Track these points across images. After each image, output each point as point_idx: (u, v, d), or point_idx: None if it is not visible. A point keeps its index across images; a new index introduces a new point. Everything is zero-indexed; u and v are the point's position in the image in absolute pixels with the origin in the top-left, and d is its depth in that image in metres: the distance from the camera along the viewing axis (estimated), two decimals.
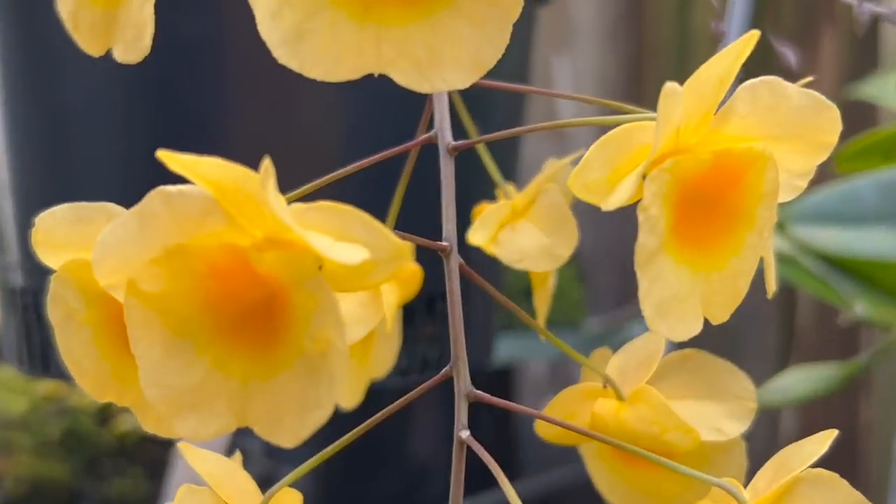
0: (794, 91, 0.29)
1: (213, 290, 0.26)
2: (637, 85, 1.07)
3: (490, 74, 0.61)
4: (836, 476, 0.29)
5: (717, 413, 0.37)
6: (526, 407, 0.33)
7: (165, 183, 0.26)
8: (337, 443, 0.31)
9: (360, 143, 0.51)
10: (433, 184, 0.34)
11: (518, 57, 0.60)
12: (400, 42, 0.28)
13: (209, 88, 0.53)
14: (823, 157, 0.30)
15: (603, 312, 1.07)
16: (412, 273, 0.42)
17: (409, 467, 0.85)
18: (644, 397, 0.37)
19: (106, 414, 0.79)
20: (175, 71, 0.53)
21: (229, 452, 0.72)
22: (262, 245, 0.26)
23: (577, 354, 0.37)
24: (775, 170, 0.29)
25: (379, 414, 0.33)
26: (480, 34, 0.28)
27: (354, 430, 0.32)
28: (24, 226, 0.55)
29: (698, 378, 0.37)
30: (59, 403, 0.78)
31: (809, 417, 1.03)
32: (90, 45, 0.34)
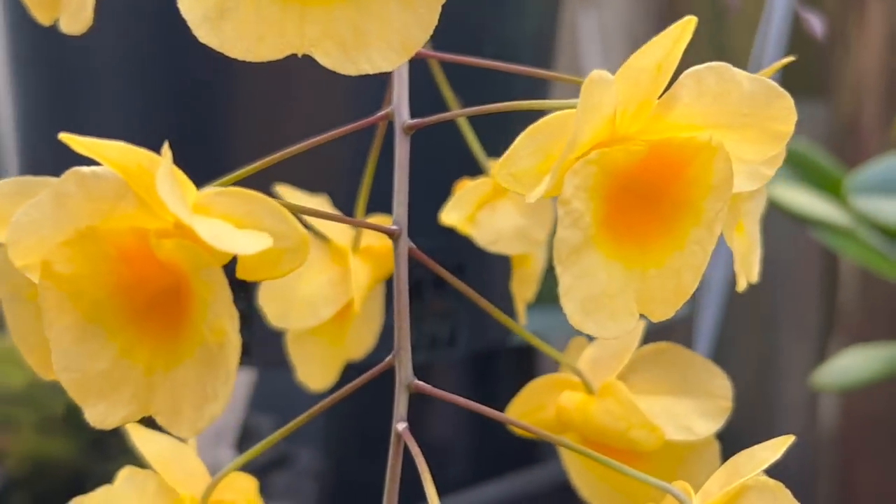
0: (745, 77, 0.28)
1: (123, 275, 0.26)
2: None
3: (514, 34, 0.60)
4: (780, 485, 0.28)
5: (689, 410, 0.36)
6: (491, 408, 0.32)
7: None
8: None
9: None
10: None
11: (545, 16, 0.59)
12: (324, 21, 0.27)
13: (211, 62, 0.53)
14: (778, 148, 0.28)
15: None
16: (385, 252, 0.41)
17: (427, 449, 0.85)
18: (612, 391, 0.36)
19: None
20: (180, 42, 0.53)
21: (239, 432, 0.73)
22: (169, 231, 0.26)
23: (541, 343, 0.36)
24: (726, 160, 0.28)
25: (329, 398, 0.33)
26: (409, 13, 0.27)
27: (320, 404, 0.31)
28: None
29: (672, 373, 0.36)
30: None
31: (850, 404, 1.01)
32: (39, 13, 0.34)
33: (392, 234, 0.32)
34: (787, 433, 0.30)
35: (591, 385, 0.37)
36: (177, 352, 0.25)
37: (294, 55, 0.28)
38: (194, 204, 0.26)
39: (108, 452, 0.76)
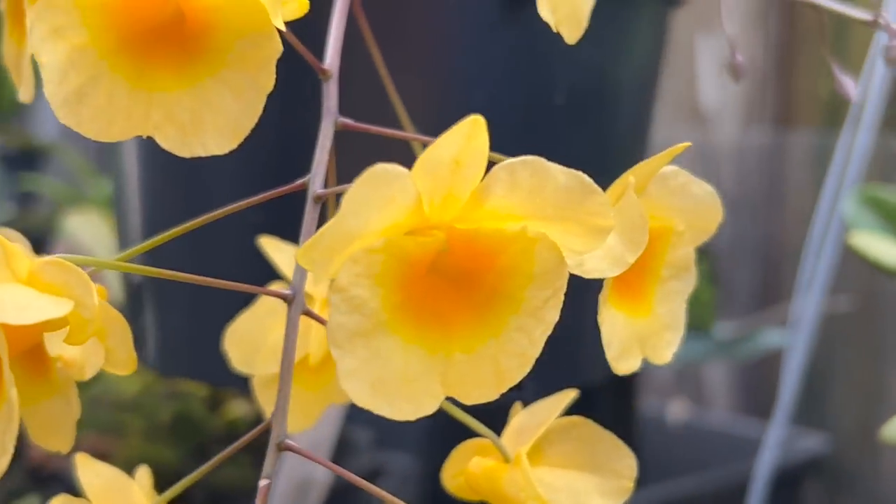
0: (560, 172, 0.29)
1: None
2: (785, 70, 1.01)
3: (616, 75, 0.60)
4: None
5: (591, 488, 0.37)
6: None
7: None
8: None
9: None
10: None
11: (649, 60, 0.60)
12: (167, 107, 0.30)
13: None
14: (601, 242, 0.29)
15: (737, 317, 1.02)
16: None
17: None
18: (518, 462, 0.37)
19: (217, 399, 0.85)
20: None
21: (336, 443, 0.76)
22: None
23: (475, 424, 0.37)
24: (549, 250, 0.29)
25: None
26: (240, 103, 0.30)
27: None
28: (149, 220, 0.60)
29: (582, 448, 0.37)
30: (170, 386, 0.84)
31: None
32: (13, 77, 0.39)
33: (285, 299, 0.35)
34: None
35: (506, 453, 0.38)
36: None
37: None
38: (29, 271, 0.29)
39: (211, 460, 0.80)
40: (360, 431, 0.80)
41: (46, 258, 0.29)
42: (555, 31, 0.38)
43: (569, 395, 0.39)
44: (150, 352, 0.61)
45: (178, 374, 0.65)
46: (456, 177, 0.29)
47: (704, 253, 1.00)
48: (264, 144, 0.48)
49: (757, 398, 1.12)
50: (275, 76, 0.30)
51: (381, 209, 0.28)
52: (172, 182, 0.55)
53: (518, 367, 0.30)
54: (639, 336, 0.35)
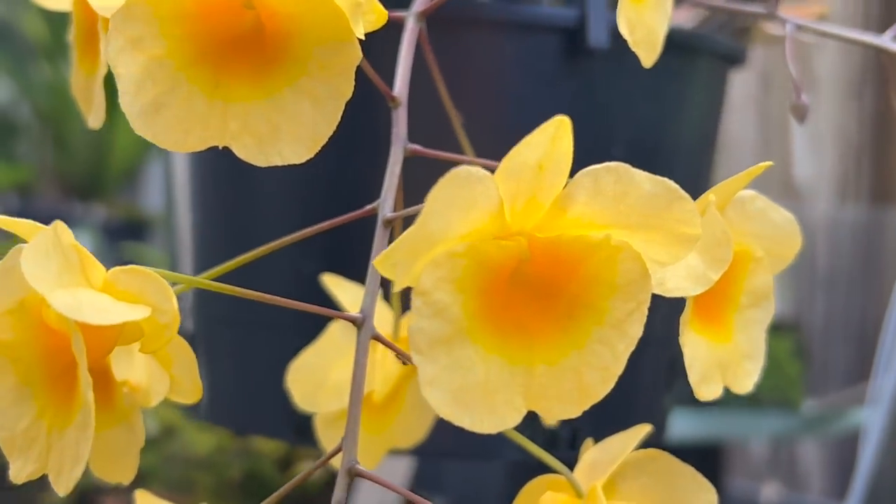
0: (645, 179, 0.28)
1: (46, 343, 0.30)
2: (881, 144, 1.01)
3: (673, 130, 0.60)
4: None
5: None
6: None
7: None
8: None
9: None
10: None
11: (707, 117, 0.60)
12: (245, 117, 0.30)
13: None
14: (688, 251, 0.29)
15: (826, 393, 1.00)
16: None
17: None
18: (593, 497, 0.36)
19: (288, 459, 0.84)
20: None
21: None
22: None
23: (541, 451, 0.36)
24: (633, 260, 0.29)
25: None
26: (319, 111, 0.30)
27: None
28: (199, 272, 0.60)
29: (659, 483, 0.36)
30: (243, 446, 0.84)
31: None
32: (81, 105, 0.39)
33: (356, 322, 0.34)
34: None
35: (579, 488, 0.37)
36: (69, 415, 0.28)
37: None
38: (105, 280, 0.29)
39: None
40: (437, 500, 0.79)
41: (123, 267, 0.29)
42: (632, 49, 0.38)
43: (643, 430, 0.38)
44: (202, 403, 0.61)
45: (228, 426, 0.64)
46: (539, 181, 0.28)
47: (794, 328, 0.99)
48: (328, 171, 0.49)
49: (853, 480, 1.10)
50: (353, 84, 0.30)
51: (464, 212, 0.27)
52: (232, 210, 0.55)
53: (601, 382, 0.30)
54: (720, 362, 0.35)
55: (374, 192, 0.38)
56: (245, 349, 0.57)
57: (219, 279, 0.39)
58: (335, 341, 0.44)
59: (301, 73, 0.30)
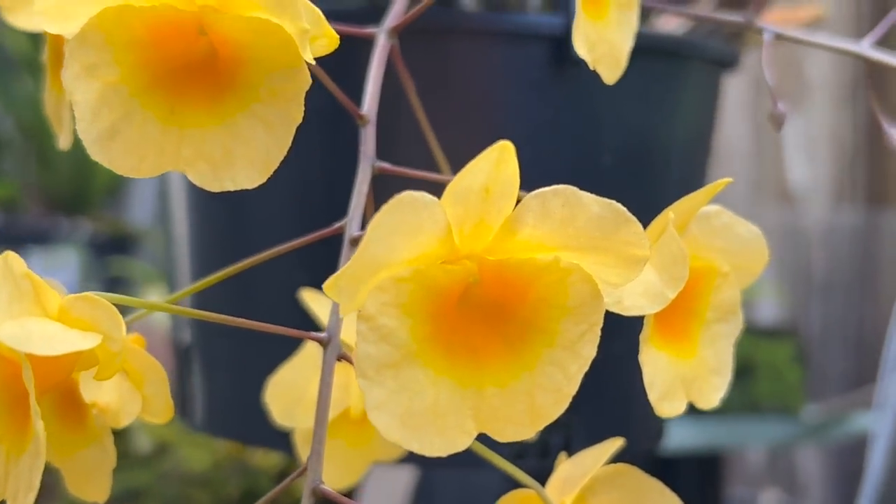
0: (593, 201, 0.29)
1: (4, 372, 0.30)
2: (875, 148, 1.00)
3: (666, 136, 0.60)
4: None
5: None
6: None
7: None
8: None
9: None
10: None
11: (700, 123, 0.59)
12: (199, 143, 0.31)
13: None
14: (636, 272, 0.29)
15: (827, 399, 0.99)
16: None
17: None
18: None
19: (286, 474, 0.84)
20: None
21: None
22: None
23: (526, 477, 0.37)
24: (583, 282, 0.29)
25: None
26: (271, 136, 0.30)
27: None
28: (196, 267, 0.60)
29: (628, 497, 0.36)
30: (240, 462, 0.84)
31: None
32: (53, 125, 0.40)
33: (321, 342, 0.34)
34: None
35: (550, 503, 0.37)
36: (23, 443, 0.29)
37: None
38: (60, 307, 0.30)
39: None
40: None
41: (76, 294, 0.30)
42: (591, 69, 0.38)
43: (614, 444, 0.38)
44: (200, 414, 0.61)
45: (227, 436, 0.64)
46: (486, 205, 0.29)
47: (792, 334, 0.99)
48: (304, 190, 0.49)
49: (853, 488, 1.09)
50: (303, 110, 0.30)
51: (409, 237, 0.28)
52: (217, 230, 0.56)
53: (554, 404, 0.30)
54: (683, 378, 0.35)
55: (339, 210, 0.39)
56: (243, 359, 0.57)
57: (214, 290, 0.39)
58: (312, 356, 0.44)
59: (253, 100, 0.31)
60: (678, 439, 0.83)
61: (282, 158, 0.30)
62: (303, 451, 0.45)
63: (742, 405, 0.90)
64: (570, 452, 0.62)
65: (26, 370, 0.27)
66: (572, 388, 0.30)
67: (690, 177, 0.61)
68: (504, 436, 0.30)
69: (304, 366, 0.44)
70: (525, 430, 0.30)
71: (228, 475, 0.83)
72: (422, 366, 0.28)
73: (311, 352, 0.44)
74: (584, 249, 0.29)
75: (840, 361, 1.09)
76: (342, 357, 0.35)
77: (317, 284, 0.49)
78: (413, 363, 0.28)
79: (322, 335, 0.35)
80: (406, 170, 0.39)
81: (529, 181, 0.31)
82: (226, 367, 0.59)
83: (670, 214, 0.33)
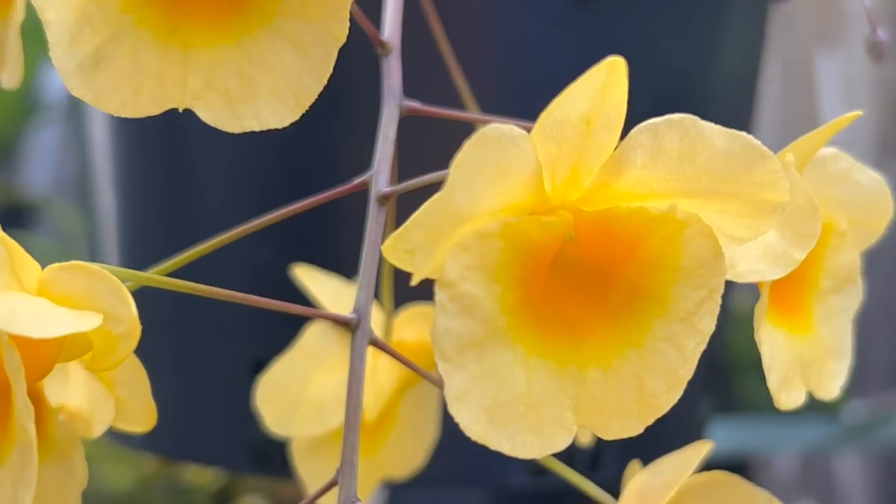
0: (717, 133, 0.27)
1: None
2: None
3: (706, 77, 0.60)
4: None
5: None
6: None
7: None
8: None
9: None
10: None
11: (745, 60, 0.59)
12: (209, 69, 0.29)
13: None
14: (771, 222, 0.28)
15: (870, 394, 1.00)
16: (421, 348, 0.42)
17: None
18: None
19: (226, 493, 0.83)
20: None
21: None
22: None
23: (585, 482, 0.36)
24: (702, 236, 0.28)
25: None
26: (303, 60, 0.29)
27: None
28: (128, 263, 0.59)
29: None
30: (170, 480, 0.83)
31: None
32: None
33: (349, 324, 0.33)
34: None
35: None
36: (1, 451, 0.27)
37: None
38: (40, 280, 0.28)
39: None
40: None
41: (63, 264, 0.28)
42: None
43: (702, 448, 0.37)
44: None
45: (158, 451, 0.63)
46: (586, 142, 0.27)
47: None
48: (294, 136, 0.48)
49: None
50: (348, 25, 0.28)
51: (496, 182, 0.26)
52: (170, 183, 0.54)
53: (667, 391, 0.29)
54: (801, 360, 0.34)
55: (356, 162, 0.37)
56: (190, 359, 0.56)
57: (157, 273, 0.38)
58: (312, 349, 0.43)
59: (276, 11, 0.29)
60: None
61: (319, 90, 0.29)
62: (304, 466, 0.43)
63: (770, 403, 0.90)
64: (601, 465, 0.61)
65: (12, 357, 0.26)
66: (688, 369, 0.29)
67: (735, 124, 0.61)
68: (608, 432, 0.29)
69: (302, 360, 0.43)
70: (633, 423, 0.29)
71: (157, 494, 0.82)
72: (511, 343, 0.27)
73: (309, 343, 0.43)
74: (705, 195, 0.28)
75: (886, 349, 1.09)
76: (374, 343, 0.34)
77: (284, 264, 0.48)
78: (501, 341, 0.27)
79: (350, 316, 0.33)
80: (441, 110, 0.38)
81: None
82: (169, 368, 0.57)
83: (789, 156, 0.32)
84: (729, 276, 0.31)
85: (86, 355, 0.29)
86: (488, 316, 0.27)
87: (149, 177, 0.56)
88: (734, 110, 0.61)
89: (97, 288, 0.28)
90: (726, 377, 0.95)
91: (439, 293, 0.26)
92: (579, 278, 0.29)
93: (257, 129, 0.29)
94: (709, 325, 0.29)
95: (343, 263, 0.47)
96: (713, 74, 0.58)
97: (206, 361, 0.57)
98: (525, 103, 0.50)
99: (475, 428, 0.27)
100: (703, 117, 0.59)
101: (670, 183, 0.28)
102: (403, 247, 0.28)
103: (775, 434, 0.88)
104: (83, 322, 0.27)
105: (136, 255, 0.58)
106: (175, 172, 0.54)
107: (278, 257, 0.50)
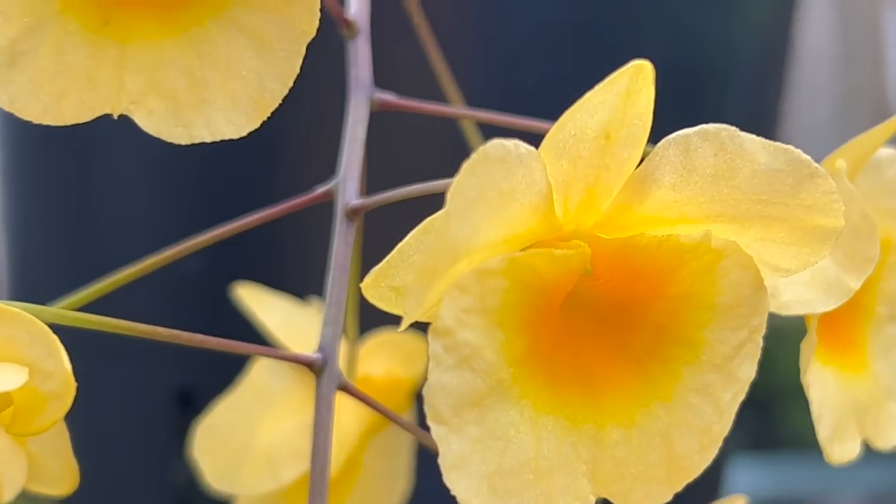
0: (759, 147, 0.28)
1: None
2: None
3: (727, 50, 0.61)
4: None
5: None
6: None
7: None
8: None
9: None
10: None
11: (772, 27, 0.60)
12: (150, 68, 0.30)
13: None
14: (823, 251, 0.29)
15: None
16: (391, 385, 0.43)
17: None
18: None
19: None
20: None
21: None
22: None
23: None
24: (744, 268, 0.29)
25: None
26: (263, 57, 0.29)
27: None
28: (21, 281, 0.59)
29: None
30: None
31: None
32: None
33: (313, 366, 0.34)
34: None
35: None
36: None
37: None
38: None
39: None
40: None
41: None
42: None
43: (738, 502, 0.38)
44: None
45: (77, 500, 0.64)
46: (605, 159, 0.28)
47: None
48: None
49: None
50: (319, 16, 0.29)
51: (499, 209, 0.27)
52: (73, 189, 0.55)
53: (700, 451, 0.30)
54: (855, 405, 0.35)
55: (317, 167, 0.38)
56: (103, 389, 0.57)
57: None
58: (261, 387, 0.44)
59: None
60: (740, 485, 0.84)
61: (284, 94, 0.30)
62: None
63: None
64: None
65: None
66: (724, 425, 0.30)
67: (761, 99, 0.62)
68: (631, 500, 0.30)
69: (248, 402, 0.44)
70: (660, 490, 0.30)
71: None
72: (517, 400, 0.28)
73: (257, 381, 0.44)
74: (745, 219, 0.29)
75: None
76: (344, 387, 0.35)
77: (225, 271, 0.49)
78: (506, 397, 0.28)
79: (314, 357, 0.34)
80: (419, 103, 0.39)
81: (550, 115, 0.31)
82: (78, 400, 0.58)
83: (840, 163, 0.33)
84: (771, 309, 0.32)
85: (3, 413, 0.30)
86: (490, 368, 0.28)
87: (49, 184, 0.56)
88: (760, 81, 0.62)
89: (19, 336, 0.28)
90: (768, 405, 0.96)
91: (433, 343, 0.27)
92: (597, 320, 0.29)
93: (208, 139, 0.30)
94: (748, 373, 0.30)
95: (293, 281, 0.47)
96: (736, 40, 0.58)
97: (122, 391, 0.57)
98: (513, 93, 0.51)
99: (475, 501, 0.28)
100: (723, 92, 0.60)
101: (704, 206, 0.29)
102: (388, 283, 0.28)
103: (832, 475, 0.89)
104: (7, 378, 0.27)
105: (31, 278, 0.59)
106: (83, 178, 0.55)
107: (206, 266, 0.51)
